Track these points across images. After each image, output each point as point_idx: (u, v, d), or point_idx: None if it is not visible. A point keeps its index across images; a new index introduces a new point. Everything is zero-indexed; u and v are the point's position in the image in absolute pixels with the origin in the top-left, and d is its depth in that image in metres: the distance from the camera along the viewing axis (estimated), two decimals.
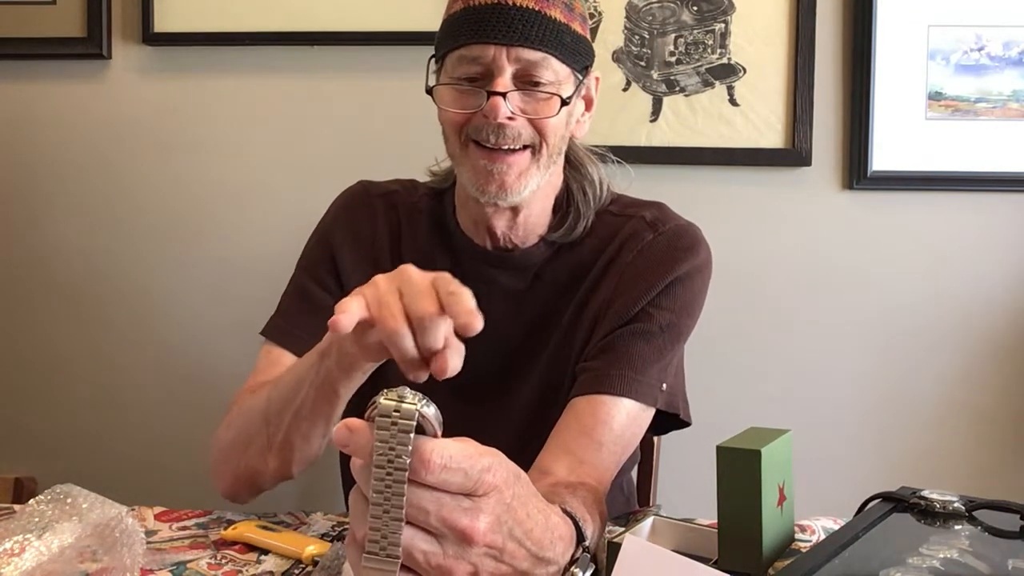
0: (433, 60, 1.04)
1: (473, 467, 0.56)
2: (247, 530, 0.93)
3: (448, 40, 0.99)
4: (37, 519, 0.74)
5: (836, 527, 0.91)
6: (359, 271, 1.08)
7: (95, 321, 1.78)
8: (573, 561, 0.69)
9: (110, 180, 1.76)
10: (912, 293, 1.67)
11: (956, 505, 0.83)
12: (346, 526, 0.99)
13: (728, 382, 1.67)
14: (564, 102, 0.98)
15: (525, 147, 0.99)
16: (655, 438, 1.44)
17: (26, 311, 1.79)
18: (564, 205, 1.10)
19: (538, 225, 1.09)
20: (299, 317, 1.10)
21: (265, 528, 0.94)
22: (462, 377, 1.10)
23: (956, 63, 1.62)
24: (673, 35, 1.65)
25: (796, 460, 0.89)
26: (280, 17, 1.69)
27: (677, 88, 1.66)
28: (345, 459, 0.55)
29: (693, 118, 1.66)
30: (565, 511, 0.72)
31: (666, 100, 1.67)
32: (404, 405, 0.52)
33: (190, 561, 0.87)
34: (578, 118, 1.07)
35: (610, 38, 1.67)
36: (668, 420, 1.07)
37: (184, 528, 0.97)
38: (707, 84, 1.66)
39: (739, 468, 0.80)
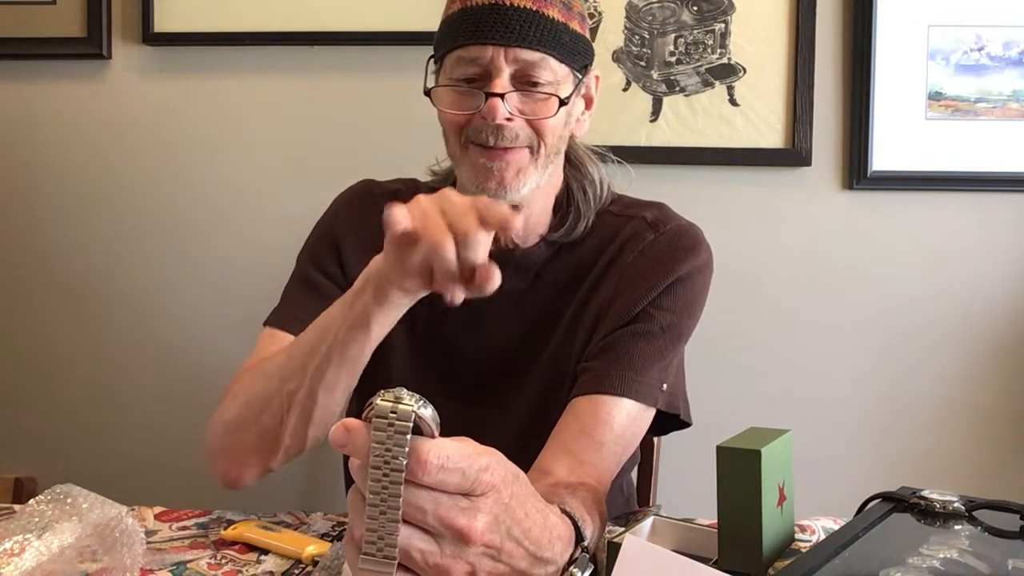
0: (432, 61, 1.04)
1: (471, 467, 0.56)
2: (247, 530, 0.93)
3: (446, 41, 0.99)
4: (37, 519, 0.74)
5: (836, 527, 0.91)
6: (363, 264, 1.08)
7: (95, 321, 1.78)
8: (572, 561, 0.69)
9: (110, 180, 1.76)
10: (912, 293, 1.67)
11: (956, 505, 0.83)
12: (346, 526, 0.99)
13: (728, 382, 1.67)
14: (562, 102, 0.98)
15: (523, 146, 0.99)
16: (655, 438, 1.44)
17: (26, 311, 1.79)
18: (564, 205, 1.10)
19: (539, 225, 1.09)
20: (304, 303, 1.08)
21: (265, 528, 0.94)
22: (462, 376, 1.10)
23: (956, 63, 1.62)
24: (673, 35, 1.65)
25: (796, 460, 0.89)
26: (280, 17, 1.69)
27: (677, 88, 1.66)
28: (347, 457, 0.55)
29: (693, 118, 1.66)
30: (564, 511, 0.72)
31: (666, 100, 1.67)
32: (401, 406, 0.53)
33: (190, 561, 0.87)
34: (578, 117, 1.07)
35: (610, 38, 1.67)
36: (668, 421, 1.07)
37: (184, 528, 0.97)
38: (707, 84, 1.66)
39: (739, 468, 0.80)
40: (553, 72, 0.98)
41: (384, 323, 0.89)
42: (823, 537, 0.91)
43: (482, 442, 0.58)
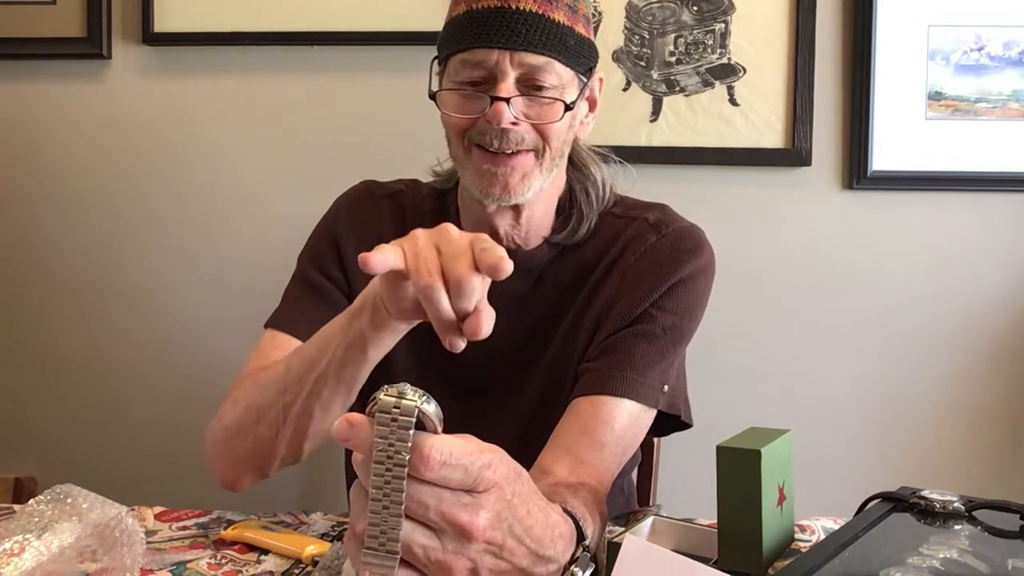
0: (436, 62, 1.04)
1: (473, 463, 0.56)
2: (247, 530, 0.93)
3: (451, 43, 0.99)
4: (37, 519, 0.74)
5: (836, 527, 0.91)
6: None
7: (96, 321, 1.78)
8: (573, 560, 0.69)
9: (110, 180, 1.76)
10: (912, 293, 1.67)
11: (956, 505, 0.83)
12: (346, 526, 0.99)
13: (728, 382, 1.67)
14: (568, 107, 0.98)
15: (529, 150, 0.99)
16: (655, 439, 1.44)
17: (27, 311, 1.79)
18: (567, 206, 1.10)
19: (541, 227, 1.09)
20: (305, 305, 1.09)
21: (265, 528, 0.94)
22: (463, 376, 1.10)
23: (956, 63, 1.62)
24: (673, 35, 1.66)
25: (796, 460, 0.89)
26: (280, 17, 1.69)
27: (677, 88, 1.66)
28: (349, 453, 0.55)
29: (693, 118, 1.66)
30: (565, 510, 0.72)
31: (666, 100, 1.67)
32: (404, 401, 0.53)
33: (190, 561, 0.87)
34: (582, 120, 1.07)
35: (610, 38, 1.67)
36: (669, 422, 1.06)
37: (184, 528, 0.97)
38: (707, 84, 1.66)
39: (739, 468, 0.80)
40: (558, 76, 0.98)
41: (381, 347, 0.88)
42: (823, 537, 0.91)
43: (483, 441, 0.58)
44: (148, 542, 0.88)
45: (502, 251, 0.69)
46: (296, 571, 0.85)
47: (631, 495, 1.33)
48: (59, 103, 1.76)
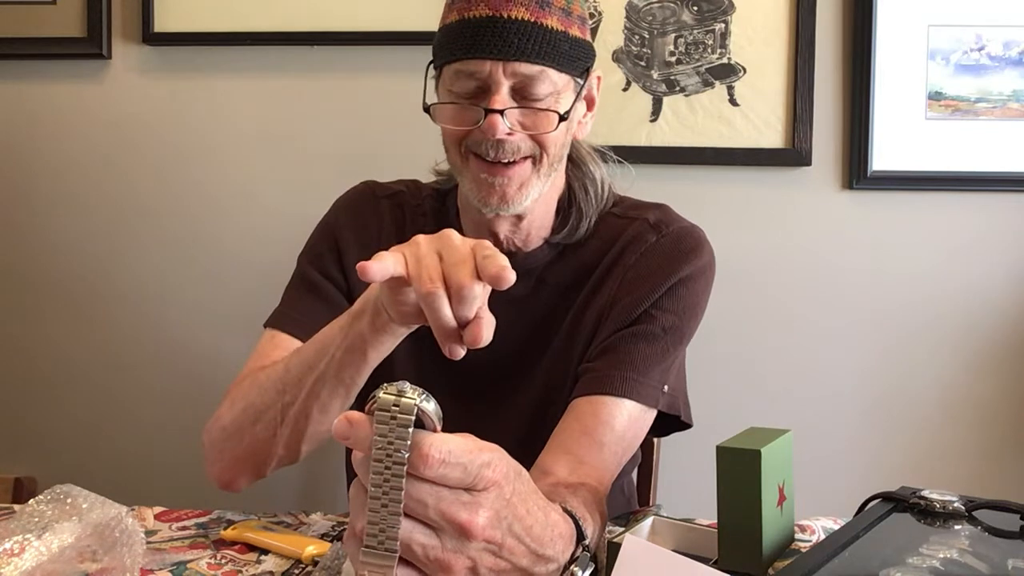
0: (431, 67, 1.04)
1: (472, 462, 0.56)
2: (247, 530, 0.93)
3: (444, 52, 0.99)
4: (37, 519, 0.74)
5: (836, 527, 0.91)
6: None
7: (96, 321, 1.78)
8: (573, 560, 0.69)
9: (110, 180, 1.76)
10: (912, 293, 1.67)
11: (956, 505, 0.83)
12: (346, 526, 0.99)
13: (728, 382, 1.67)
14: (562, 117, 0.98)
15: (525, 158, 0.99)
16: (655, 439, 1.44)
17: (27, 311, 1.79)
18: (567, 206, 1.10)
19: (541, 228, 1.09)
20: (304, 306, 1.09)
21: (265, 528, 0.94)
22: (463, 376, 1.10)
23: (956, 63, 1.62)
24: (673, 35, 1.65)
25: (796, 460, 0.89)
26: (280, 17, 1.69)
27: (677, 88, 1.66)
28: (349, 452, 0.55)
29: (693, 118, 1.66)
30: (565, 510, 0.72)
31: (666, 100, 1.67)
32: (403, 399, 0.53)
33: (190, 561, 0.87)
34: (579, 119, 1.07)
35: (610, 38, 1.67)
36: (669, 422, 1.06)
37: (184, 528, 0.97)
38: (707, 84, 1.66)
39: (739, 468, 0.80)
40: (553, 83, 0.97)
41: (380, 350, 0.88)
42: (823, 537, 0.91)
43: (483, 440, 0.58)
44: (148, 542, 0.88)
45: (504, 260, 0.69)
46: (296, 571, 0.85)
47: (631, 495, 1.33)
48: (59, 103, 1.76)
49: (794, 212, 1.67)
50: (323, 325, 0.93)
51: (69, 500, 0.76)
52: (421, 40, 1.59)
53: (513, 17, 0.94)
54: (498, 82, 0.95)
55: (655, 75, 1.67)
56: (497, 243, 1.08)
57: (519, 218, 1.06)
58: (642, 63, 1.67)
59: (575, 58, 0.99)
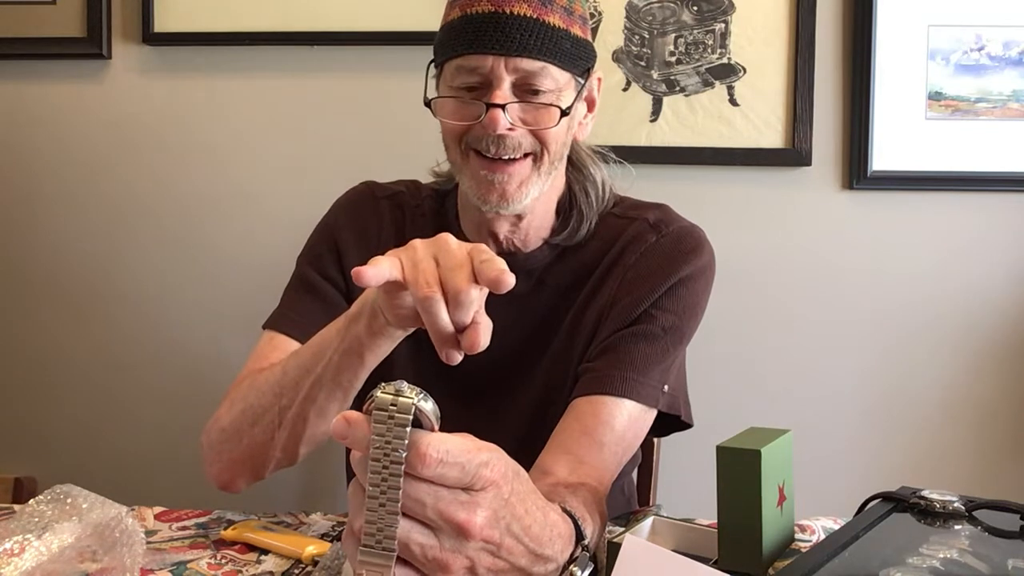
0: (432, 65, 1.04)
1: (470, 462, 0.56)
2: (247, 530, 0.93)
3: (446, 49, 0.99)
4: (37, 519, 0.74)
5: (836, 527, 0.91)
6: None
7: (96, 321, 1.78)
8: (572, 560, 0.69)
9: (110, 180, 1.76)
10: (912, 293, 1.67)
11: (956, 505, 0.83)
12: (346, 526, 0.99)
13: (728, 382, 1.67)
14: (564, 112, 0.98)
15: (526, 155, 0.99)
16: (655, 439, 1.44)
17: (27, 311, 1.79)
18: (567, 207, 1.10)
19: (541, 228, 1.09)
20: (303, 307, 1.09)
21: (265, 528, 0.94)
22: (463, 377, 1.10)
23: (956, 63, 1.62)
24: (673, 35, 1.66)
25: (796, 460, 0.89)
26: (280, 17, 1.69)
27: (677, 88, 1.66)
28: (349, 452, 0.55)
29: (693, 118, 1.66)
30: (564, 510, 0.72)
31: (666, 100, 1.67)
32: (401, 399, 0.53)
33: (190, 561, 0.87)
34: (580, 120, 1.07)
35: (610, 38, 1.67)
36: (669, 422, 1.06)
37: (184, 528, 0.97)
38: (707, 84, 1.66)
39: (739, 468, 0.80)
40: (555, 80, 0.98)
41: (377, 353, 0.88)
42: (823, 537, 0.91)
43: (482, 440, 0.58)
44: (148, 542, 0.88)
45: (502, 263, 0.69)
46: (296, 571, 0.85)
47: (631, 495, 1.33)
48: (59, 103, 1.76)
49: (794, 212, 1.67)
50: (322, 326, 0.93)
51: (69, 500, 0.76)
52: (421, 40, 1.59)
53: (516, 13, 0.94)
54: (500, 77, 0.95)
55: (655, 75, 1.67)
56: (497, 243, 1.08)
57: (519, 218, 1.06)
58: (642, 63, 1.67)
59: (576, 57, 0.99)
